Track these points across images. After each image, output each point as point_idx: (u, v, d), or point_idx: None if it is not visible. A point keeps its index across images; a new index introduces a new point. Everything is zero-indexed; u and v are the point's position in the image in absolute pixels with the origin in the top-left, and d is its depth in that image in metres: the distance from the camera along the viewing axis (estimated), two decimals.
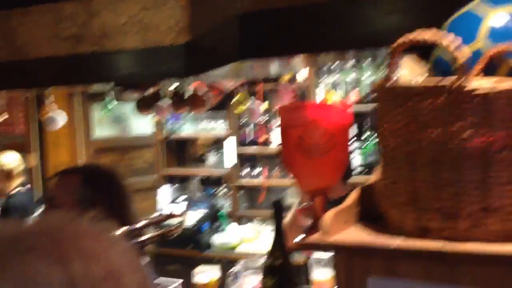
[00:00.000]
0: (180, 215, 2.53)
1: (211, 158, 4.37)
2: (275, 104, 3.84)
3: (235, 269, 2.30)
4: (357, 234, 0.83)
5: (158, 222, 2.03)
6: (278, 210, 1.97)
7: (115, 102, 2.99)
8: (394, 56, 0.81)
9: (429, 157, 0.77)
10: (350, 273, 0.79)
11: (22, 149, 4.66)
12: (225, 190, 4.30)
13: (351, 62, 3.66)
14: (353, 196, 0.87)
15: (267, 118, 4.09)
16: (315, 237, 0.79)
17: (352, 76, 3.68)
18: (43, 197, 3.88)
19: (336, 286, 0.83)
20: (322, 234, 0.79)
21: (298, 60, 2.37)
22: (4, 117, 3.57)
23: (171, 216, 2.13)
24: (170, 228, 2.06)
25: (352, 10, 1.48)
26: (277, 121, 4.08)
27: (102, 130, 4.92)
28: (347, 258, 0.79)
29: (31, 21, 2.23)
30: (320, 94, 3.68)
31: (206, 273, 2.38)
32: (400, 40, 0.79)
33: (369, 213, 0.87)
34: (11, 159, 3.54)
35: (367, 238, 0.80)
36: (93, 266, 0.70)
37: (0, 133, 4.82)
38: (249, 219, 4.20)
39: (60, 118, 3.15)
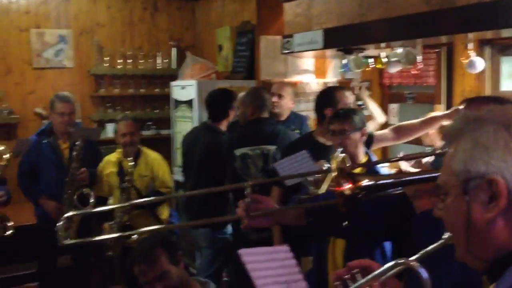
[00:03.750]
0: None
1: None
2: None
3: None
4: None
5: None
6: None
7: None
8: None
9: None
10: None
11: (431, 99, 5.06)
12: None
13: None
14: None
15: None
16: None
17: None
18: None
19: None
20: None
21: None
22: (419, 69, 3.94)
23: None
24: None
25: None
26: None
27: (511, 84, 4.89)
28: None
29: None
30: None
31: None
32: None
33: None
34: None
35: None
36: None
37: (412, 84, 5.33)
38: None
39: (479, 63, 3.36)
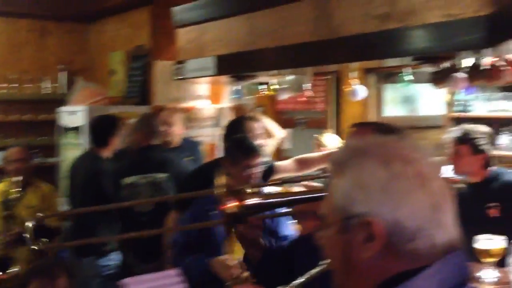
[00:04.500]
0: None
1: (503, 139, 4.26)
2: None
3: None
4: None
5: None
6: None
7: (411, 77, 3.20)
8: None
9: None
10: None
11: (321, 125, 5.24)
12: None
13: None
14: None
15: None
16: None
17: None
18: None
19: None
20: None
21: None
22: (309, 95, 4.06)
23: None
24: None
25: None
26: None
27: (392, 109, 5.20)
28: None
29: (347, 2, 2.59)
30: None
31: (491, 241, 2.43)
32: None
33: None
34: (331, 139, 4.03)
35: None
36: (408, 167, 0.95)
37: (303, 110, 5.50)
38: None
39: (361, 91, 3.52)
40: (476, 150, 2.93)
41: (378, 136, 1.09)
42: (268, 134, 4.13)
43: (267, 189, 3.06)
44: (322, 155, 3.63)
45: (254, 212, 1.58)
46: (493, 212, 2.88)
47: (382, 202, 0.93)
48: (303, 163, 3.67)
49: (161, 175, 3.62)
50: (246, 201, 1.54)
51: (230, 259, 2.56)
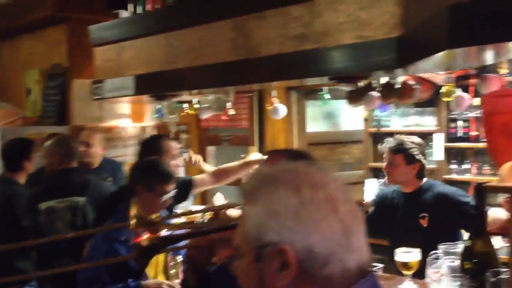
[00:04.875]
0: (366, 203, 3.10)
1: None
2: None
3: (436, 252, 2.40)
4: None
5: None
6: (480, 194, 2.02)
7: (328, 96, 3.28)
8: None
9: None
10: None
11: (246, 141, 5.26)
12: None
13: None
14: None
15: (479, 114, 4.03)
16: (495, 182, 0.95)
17: None
18: None
19: None
20: (500, 181, 0.93)
21: None
22: (232, 113, 4.06)
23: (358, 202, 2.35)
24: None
25: None
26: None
27: (315, 125, 5.30)
28: None
29: (265, 23, 2.62)
30: None
31: (408, 254, 2.51)
32: None
33: None
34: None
35: None
36: (319, 193, 0.96)
37: (228, 127, 5.49)
38: None
39: (281, 110, 3.55)
40: (410, 160, 3.01)
41: (289, 163, 1.10)
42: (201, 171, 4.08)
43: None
44: (239, 165, 3.62)
45: (167, 243, 1.54)
46: (424, 223, 2.98)
47: (294, 230, 0.93)
48: (220, 175, 3.66)
49: (80, 199, 3.48)
50: (160, 232, 1.49)
51: (166, 283, 2.49)
